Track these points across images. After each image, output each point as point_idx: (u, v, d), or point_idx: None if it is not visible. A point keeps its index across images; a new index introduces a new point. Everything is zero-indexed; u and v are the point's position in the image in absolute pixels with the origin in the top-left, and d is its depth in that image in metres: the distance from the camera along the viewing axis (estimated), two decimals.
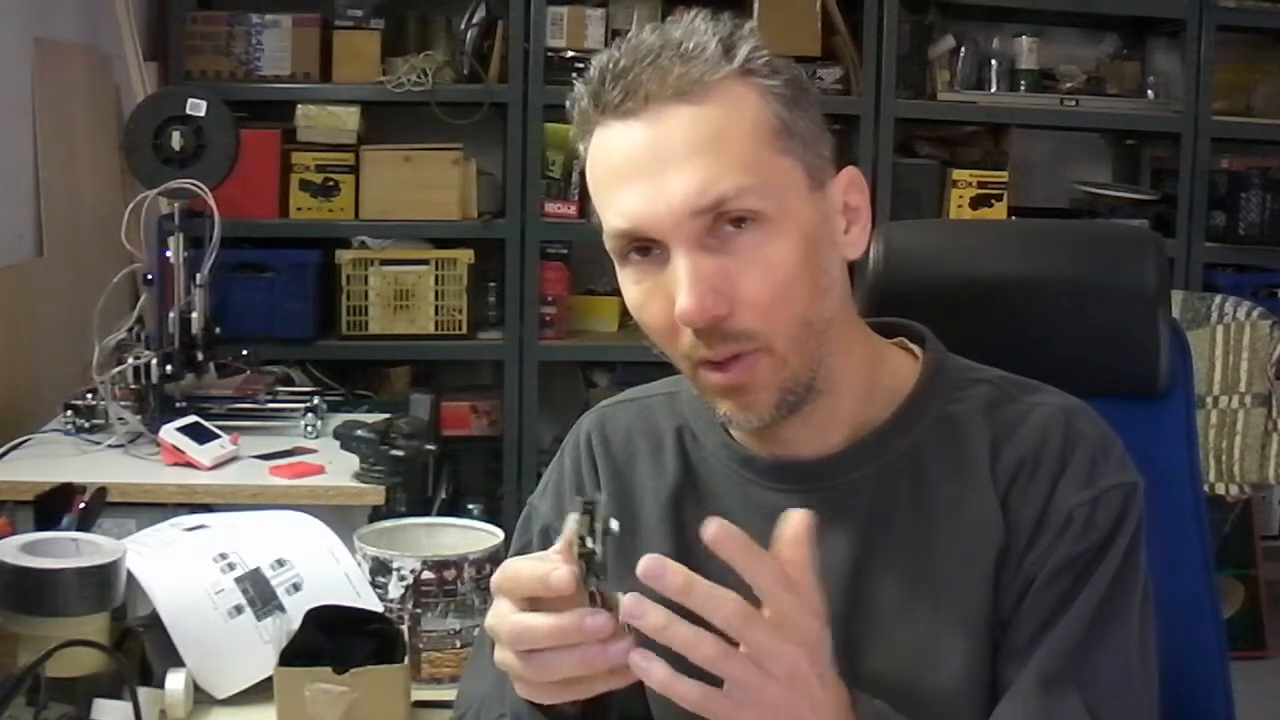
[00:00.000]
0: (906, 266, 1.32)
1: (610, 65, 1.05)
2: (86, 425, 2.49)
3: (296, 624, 1.44)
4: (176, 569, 1.53)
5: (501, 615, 0.96)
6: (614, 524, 0.94)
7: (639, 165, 1.03)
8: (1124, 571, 1.07)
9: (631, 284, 1.08)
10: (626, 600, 0.89)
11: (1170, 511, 1.18)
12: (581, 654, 0.93)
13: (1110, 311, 1.31)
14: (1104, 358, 1.30)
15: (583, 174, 1.10)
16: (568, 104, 1.09)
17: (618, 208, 1.04)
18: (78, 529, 1.55)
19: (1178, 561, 1.24)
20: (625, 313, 3.98)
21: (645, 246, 1.05)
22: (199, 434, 2.39)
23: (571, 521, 0.95)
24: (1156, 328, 1.30)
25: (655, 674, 0.90)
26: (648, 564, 0.89)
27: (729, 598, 0.89)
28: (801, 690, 0.91)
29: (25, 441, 2.45)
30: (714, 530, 0.90)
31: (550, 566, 0.94)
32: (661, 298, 1.05)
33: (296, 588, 1.56)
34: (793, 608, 0.91)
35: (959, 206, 3.91)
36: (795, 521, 0.94)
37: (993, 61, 4.08)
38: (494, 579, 0.98)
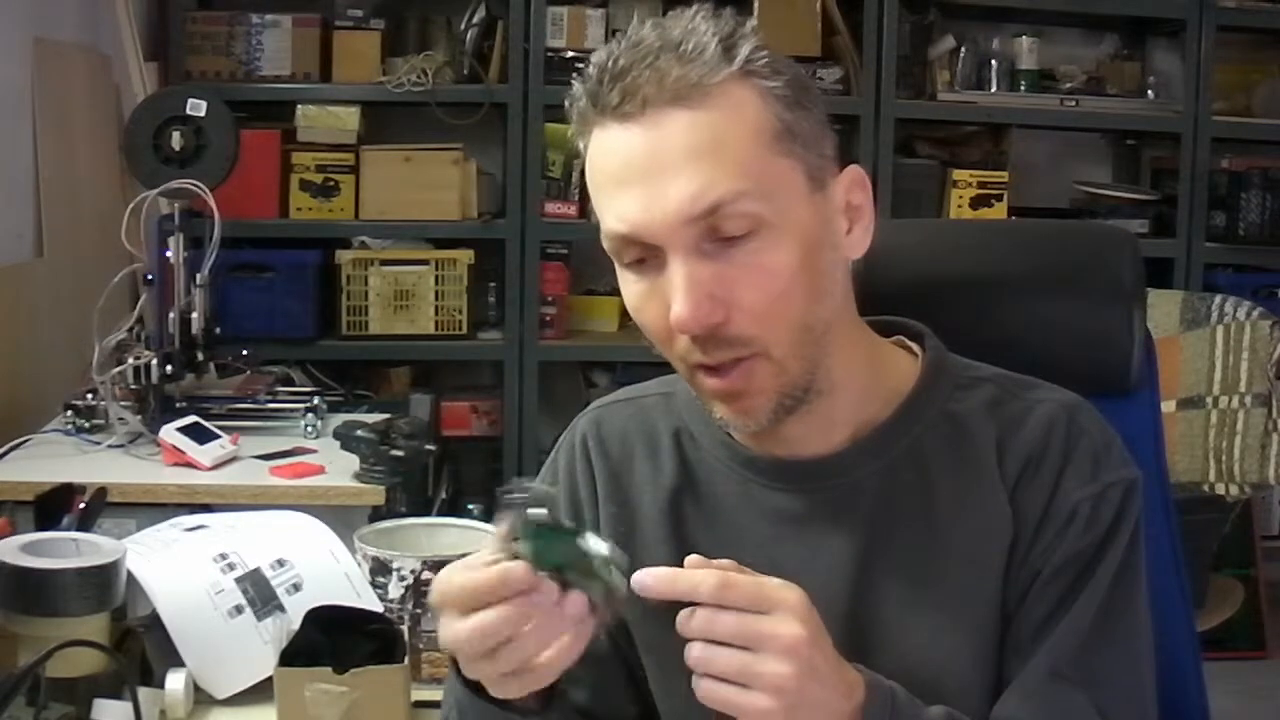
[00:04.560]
0: (883, 266, 1.31)
1: (609, 65, 1.04)
2: (87, 425, 2.49)
3: (296, 624, 1.44)
4: (176, 569, 1.53)
5: (456, 627, 0.96)
6: (540, 512, 0.96)
7: (636, 170, 1.02)
8: (1127, 566, 1.08)
9: (630, 285, 1.07)
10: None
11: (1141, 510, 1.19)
12: (543, 625, 0.94)
13: (1084, 309, 1.31)
14: (1077, 355, 1.30)
15: (583, 173, 1.10)
16: (567, 102, 1.08)
17: (616, 212, 1.04)
18: (78, 529, 1.55)
19: (1147, 560, 1.24)
20: (625, 313, 3.94)
21: (643, 249, 1.04)
22: (199, 434, 2.39)
23: (503, 523, 0.96)
24: (1131, 326, 1.30)
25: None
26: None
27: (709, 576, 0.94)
28: (804, 663, 0.93)
29: (25, 441, 2.45)
30: (642, 584, 0.94)
31: (498, 567, 0.94)
32: (659, 301, 1.04)
33: (296, 588, 1.56)
34: (749, 594, 0.93)
35: (959, 207, 3.90)
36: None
37: (993, 61, 4.07)
38: (436, 592, 0.97)
